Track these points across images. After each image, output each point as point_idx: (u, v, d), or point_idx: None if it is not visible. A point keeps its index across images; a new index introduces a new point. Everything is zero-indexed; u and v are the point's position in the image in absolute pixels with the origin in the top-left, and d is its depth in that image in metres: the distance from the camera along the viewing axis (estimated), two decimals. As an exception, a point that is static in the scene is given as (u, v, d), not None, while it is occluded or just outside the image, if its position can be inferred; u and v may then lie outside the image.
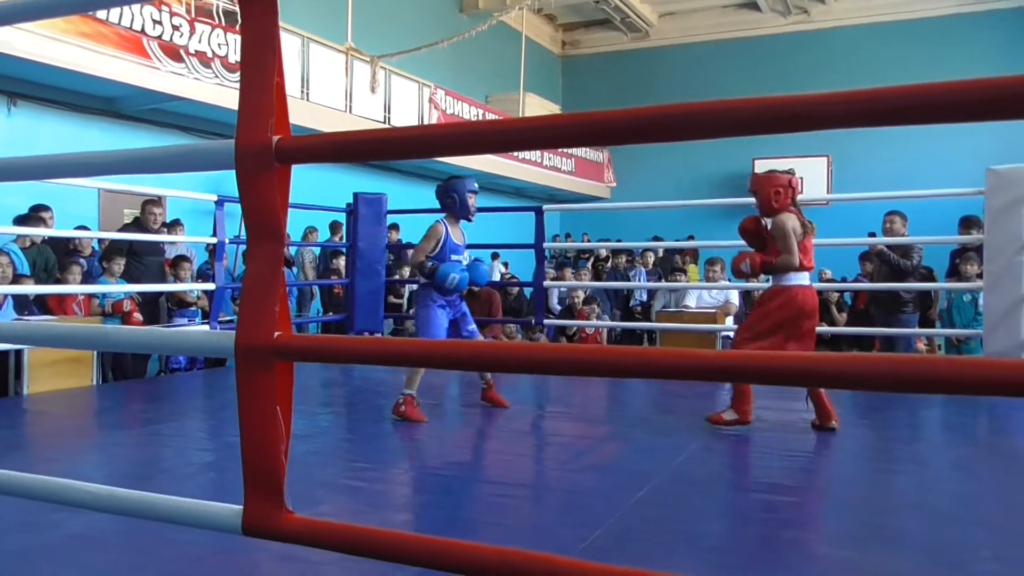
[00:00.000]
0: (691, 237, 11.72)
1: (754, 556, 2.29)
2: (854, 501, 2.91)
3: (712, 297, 6.88)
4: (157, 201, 6.28)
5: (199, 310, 6.57)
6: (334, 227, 9.01)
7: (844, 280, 9.06)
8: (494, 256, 11.79)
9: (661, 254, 10.56)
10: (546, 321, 6.96)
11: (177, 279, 6.38)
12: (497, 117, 12.84)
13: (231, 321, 6.56)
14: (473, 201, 4.32)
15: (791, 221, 3.78)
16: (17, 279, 5.18)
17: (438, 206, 4.35)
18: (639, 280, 9.35)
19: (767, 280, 4.43)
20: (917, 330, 6.31)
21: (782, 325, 3.79)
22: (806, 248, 3.82)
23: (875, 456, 3.69)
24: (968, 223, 6.23)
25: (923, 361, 0.96)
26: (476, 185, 4.39)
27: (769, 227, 3.87)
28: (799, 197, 3.91)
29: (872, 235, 5.96)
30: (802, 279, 3.81)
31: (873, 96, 0.96)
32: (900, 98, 0.95)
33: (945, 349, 6.62)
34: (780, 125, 1.05)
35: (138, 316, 5.72)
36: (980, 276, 5.54)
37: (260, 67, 1.24)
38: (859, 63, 14.62)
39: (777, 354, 1.04)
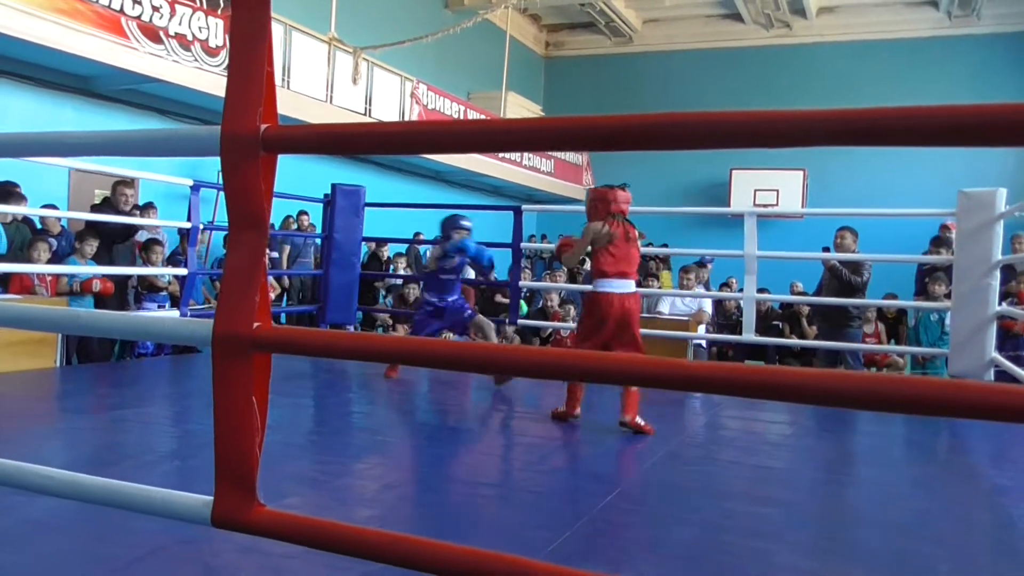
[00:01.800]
0: (665, 245, 11.79)
1: (718, 564, 2.31)
2: (817, 513, 2.95)
3: (685, 305, 6.92)
4: (129, 182, 6.16)
5: (168, 295, 6.47)
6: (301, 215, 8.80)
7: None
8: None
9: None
10: (519, 321, 6.96)
11: (148, 263, 6.27)
12: (479, 114, 12.82)
13: (201, 308, 6.47)
14: (456, 235, 5.21)
15: (592, 227, 4.10)
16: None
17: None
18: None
19: (740, 289, 4.54)
20: (885, 347, 6.40)
21: (595, 328, 4.03)
22: (614, 255, 4.02)
23: (839, 469, 3.75)
24: (938, 242, 6.33)
25: (881, 380, 0.98)
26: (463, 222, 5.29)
27: None
28: (779, 210, 4.01)
29: (826, 249, 6.05)
30: (606, 286, 4.00)
31: (853, 116, 0.97)
32: (881, 120, 0.96)
33: (910, 367, 6.73)
34: (761, 140, 1.06)
35: (109, 284, 5.64)
36: (948, 296, 5.63)
37: (250, 55, 1.23)
38: (837, 79, 14.85)
39: (741, 367, 1.05)
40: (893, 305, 6.87)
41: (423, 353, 1.27)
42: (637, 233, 4.15)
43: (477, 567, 1.18)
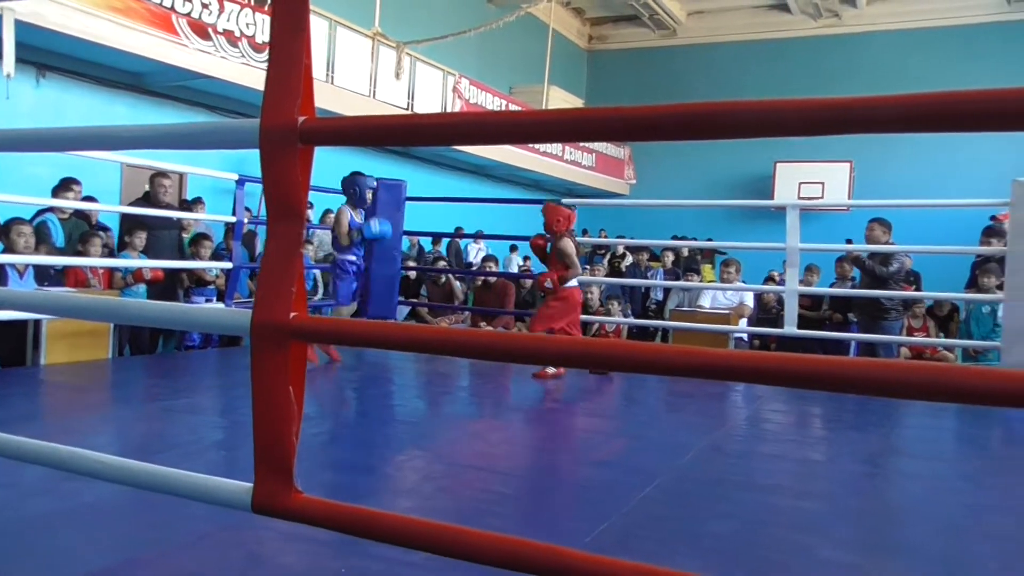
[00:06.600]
0: (709, 239, 11.65)
1: (759, 558, 2.29)
2: (861, 507, 2.90)
3: (727, 298, 6.84)
4: (165, 173, 6.28)
5: (216, 289, 6.61)
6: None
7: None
8: (512, 249, 11.78)
9: (686, 253, 10.49)
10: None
11: (196, 257, 6.41)
12: (520, 108, 12.81)
13: (246, 301, 6.59)
14: (369, 195, 5.86)
15: (571, 243, 5.36)
16: (40, 250, 5.22)
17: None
18: (658, 279, 9.29)
19: (778, 283, 4.43)
20: (935, 340, 6.25)
21: (566, 313, 5.32)
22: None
23: (884, 463, 3.67)
24: (990, 233, 6.16)
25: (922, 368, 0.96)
26: (374, 182, 5.95)
27: (552, 246, 5.38)
28: (823, 202, 3.90)
29: (849, 241, 6.07)
30: (576, 283, 5.42)
31: (899, 102, 0.95)
32: (933, 104, 0.94)
33: (961, 360, 6.55)
34: (803, 128, 1.04)
35: (159, 271, 5.80)
36: (1000, 288, 5.48)
37: (289, 48, 1.25)
38: (889, 69, 14.44)
39: (777, 356, 1.04)
40: (935, 297, 6.70)
41: (457, 344, 1.28)
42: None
43: (514, 555, 1.19)
